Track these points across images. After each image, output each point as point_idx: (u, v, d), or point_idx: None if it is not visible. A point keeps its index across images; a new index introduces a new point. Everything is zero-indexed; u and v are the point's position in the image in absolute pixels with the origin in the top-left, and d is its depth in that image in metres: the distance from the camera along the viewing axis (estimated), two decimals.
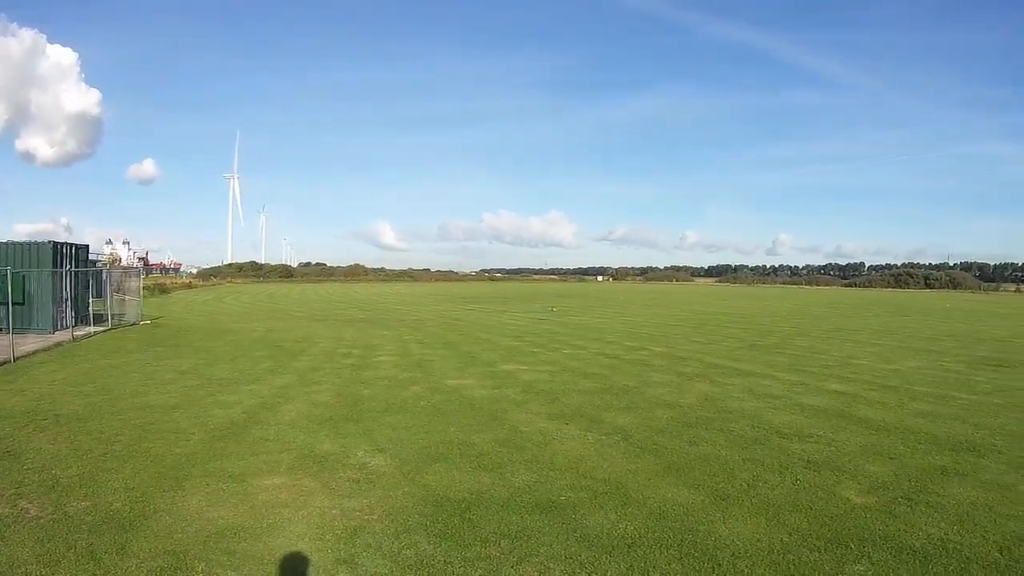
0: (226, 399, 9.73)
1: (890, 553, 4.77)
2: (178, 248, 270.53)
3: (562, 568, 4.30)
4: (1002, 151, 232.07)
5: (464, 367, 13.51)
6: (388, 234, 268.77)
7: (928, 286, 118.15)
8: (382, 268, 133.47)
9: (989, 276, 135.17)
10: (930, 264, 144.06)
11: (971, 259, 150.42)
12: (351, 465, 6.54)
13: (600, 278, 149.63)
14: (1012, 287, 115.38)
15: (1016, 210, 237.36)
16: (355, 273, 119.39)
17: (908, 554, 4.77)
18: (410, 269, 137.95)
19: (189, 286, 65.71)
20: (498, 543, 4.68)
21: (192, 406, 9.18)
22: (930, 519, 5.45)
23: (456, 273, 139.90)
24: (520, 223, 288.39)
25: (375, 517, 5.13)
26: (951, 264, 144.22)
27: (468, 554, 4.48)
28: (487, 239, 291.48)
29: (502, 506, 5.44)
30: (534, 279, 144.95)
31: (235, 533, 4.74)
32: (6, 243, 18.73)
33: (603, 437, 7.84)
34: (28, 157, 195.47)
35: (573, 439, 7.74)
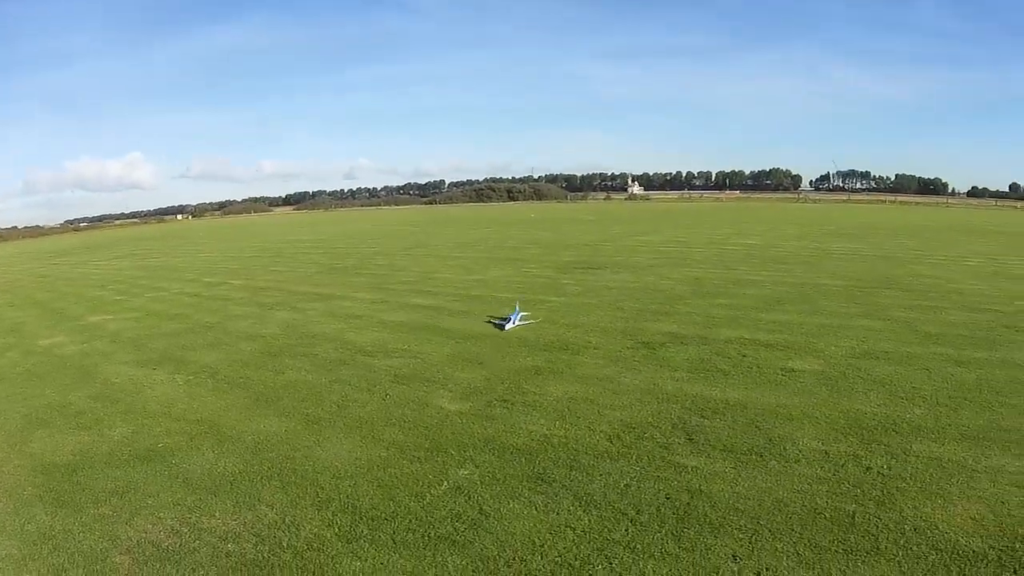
0: None
1: (494, 454, 4.88)
2: None
3: (173, 516, 4.57)
4: (590, 70, 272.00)
5: (55, 325, 12.90)
6: None
7: (512, 199, 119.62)
8: None
9: (576, 187, 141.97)
10: (513, 178, 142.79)
11: (558, 172, 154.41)
12: None
13: (180, 216, 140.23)
14: (602, 195, 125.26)
15: (605, 124, 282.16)
16: None
17: (512, 453, 4.88)
18: None
19: None
20: (109, 501, 4.85)
21: None
22: (530, 418, 5.58)
23: (42, 228, 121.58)
24: (100, 168, 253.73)
25: None
26: (536, 177, 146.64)
27: (84, 518, 4.63)
28: (71, 188, 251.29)
29: (106, 463, 5.57)
30: (116, 225, 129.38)
31: None
32: None
33: (191, 377, 8.11)
34: None
35: (163, 383, 7.91)
